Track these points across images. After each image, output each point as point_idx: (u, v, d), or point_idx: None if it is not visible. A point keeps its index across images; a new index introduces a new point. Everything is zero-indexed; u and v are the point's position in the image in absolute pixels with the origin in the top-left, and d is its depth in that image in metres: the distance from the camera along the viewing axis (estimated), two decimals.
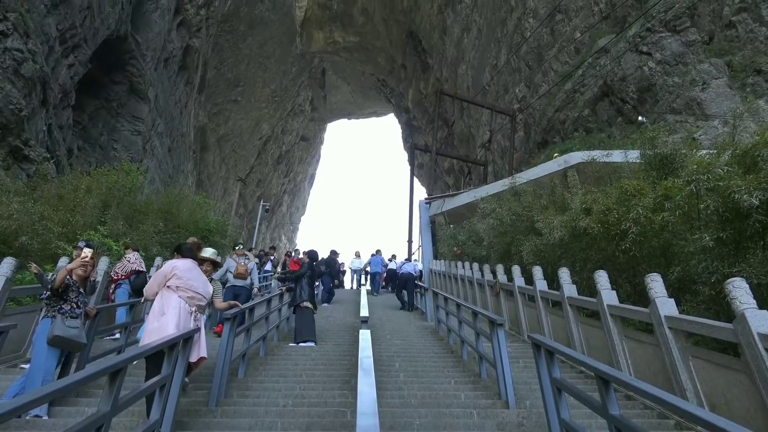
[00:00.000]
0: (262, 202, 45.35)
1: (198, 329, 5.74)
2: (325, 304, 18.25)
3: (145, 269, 11.10)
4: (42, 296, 5.90)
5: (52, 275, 7.27)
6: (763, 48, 18.70)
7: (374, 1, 58.01)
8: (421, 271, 22.47)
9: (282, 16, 56.39)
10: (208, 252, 6.85)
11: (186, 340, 5.30)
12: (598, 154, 14.67)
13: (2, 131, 15.88)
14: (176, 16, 36.01)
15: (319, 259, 12.27)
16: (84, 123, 27.10)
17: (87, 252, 6.40)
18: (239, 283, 12.06)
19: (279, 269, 21.24)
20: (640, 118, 20.99)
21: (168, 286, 5.82)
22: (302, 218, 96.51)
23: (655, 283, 6.58)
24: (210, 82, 49.17)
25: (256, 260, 19.94)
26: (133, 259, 10.95)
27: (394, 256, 26.64)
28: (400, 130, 77.58)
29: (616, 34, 23.95)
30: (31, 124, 17.59)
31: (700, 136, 16.97)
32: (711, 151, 10.01)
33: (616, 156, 13.80)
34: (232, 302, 7.18)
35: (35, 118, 18.06)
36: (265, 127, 64.11)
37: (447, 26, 47.73)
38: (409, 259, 24.70)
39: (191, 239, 11.37)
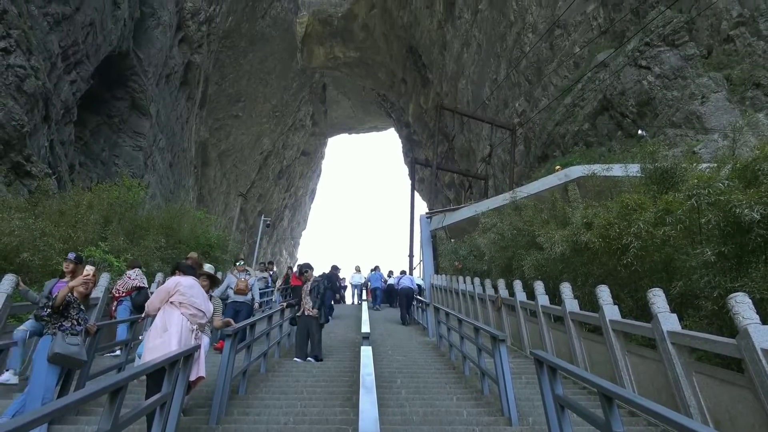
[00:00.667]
0: (263, 217, 45.35)
1: (198, 347, 5.71)
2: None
3: (146, 285, 11.06)
4: (42, 313, 5.88)
5: (41, 295, 7.28)
6: (762, 62, 18.81)
7: (375, 16, 58.47)
8: (419, 285, 22.44)
9: (283, 32, 56.84)
10: (204, 267, 6.84)
11: (186, 357, 5.27)
12: (598, 168, 14.70)
13: (4, 147, 15.95)
14: (178, 33, 36.32)
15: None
16: (86, 139, 27.22)
17: (89, 269, 6.40)
18: (240, 299, 12.04)
19: (280, 283, 21.20)
20: (639, 131, 21.07)
21: (171, 302, 5.81)
22: (303, 233, 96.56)
23: (657, 298, 6.56)
24: (211, 98, 49.45)
25: (265, 274, 19.82)
26: (134, 276, 10.92)
27: (391, 272, 26.61)
28: (401, 145, 77.77)
29: (614, 48, 24.10)
30: (33, 140, 17.67)
31: (700, 149, 17.01)
32: (711, 165, 10.04)
33: (617, 170, 13.82)
34: (227, 320, 7.16)
35: (37, 134, 18.14)
36: (266, 142, 64.35)
37: (447, 41, 48.05)
38: (404, 273, 24.60)
39: (192, 254, 11.40)
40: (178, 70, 37.12)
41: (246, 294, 12.18)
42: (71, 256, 7.48)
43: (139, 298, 10.53)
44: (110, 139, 28.91)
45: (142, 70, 30.34)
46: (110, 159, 28.44)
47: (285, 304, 11.90)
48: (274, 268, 27.15)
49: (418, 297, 19.15)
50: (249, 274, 13.04)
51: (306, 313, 10.89)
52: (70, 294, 5.95)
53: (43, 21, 19.31)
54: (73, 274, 7.14)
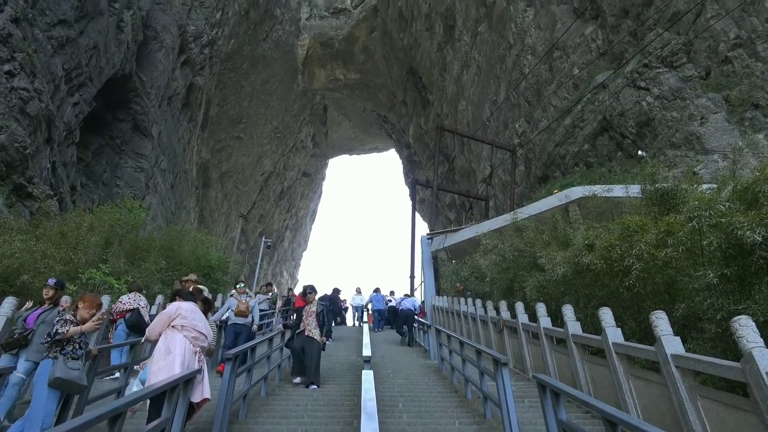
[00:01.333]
0: (264, 238, 45.24)
1: (201, 370, 5.69)
2: (327, 341, 18.06)
3: (138, 306, 10.94)
4: (43, 341, 5.83)
5: (25, 309, 7.25)
6: (760, 83, 18.95)
7: (375, 39, 59.11)
8: (419, 306, 22.41)
9: (284, 55, 57.37)
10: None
11: (187, 381, 5.24)
12: (599, 189, 14.69)
13: (7, 169, 16.02)
14: (180, 55, 36.67)
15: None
16: (87, 160, 27.34)
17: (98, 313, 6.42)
18: (240, 321, 11.97)
19: (280, 304, 21.13)
20: (639, 152, 21.13)
21: (173, 326, 5.81)
22: (304, 254, 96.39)
23: (660, 321, 6.52)
24: (213, 119, 49.77)
25: (268, 296, 19.73)
26: (126, 300, 10.90)
27: (392, 293, 26.58)
28: (401, 166, 78.09)
29: (613, 70, 24.29)
30: (36, 162, 17.75)
31: (700, 170, 17.05)
32: (712, 186, 10.06)
33: (617, 191, 13.84)
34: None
35: (39, 155, 18.23)
36: (267, 163, 64.57)
37: (447, 63, 48.44)
38: (408, 295, 24.55)
39: (192, 275, 11.38)
40: (180, 92, 37.41)
41: (246, 316, 12.11)
42: (51, 281, 7.21)
43: (131, 318, 10.54)
44: (112, 160, 29.03)
45: (145, 92, 30.58)
46: (112, 180, 28.53)
47: (282, 325, 11.84)
48: (274, 289, 27.14)
49: (420, 319, 19.06)
50: (249, 296, 12.99)
51: (306, 334, 10.61)
52: (72, 316, 5.92)
53: (47, 44, 19.51)
54: (52, 300, 7.03)
